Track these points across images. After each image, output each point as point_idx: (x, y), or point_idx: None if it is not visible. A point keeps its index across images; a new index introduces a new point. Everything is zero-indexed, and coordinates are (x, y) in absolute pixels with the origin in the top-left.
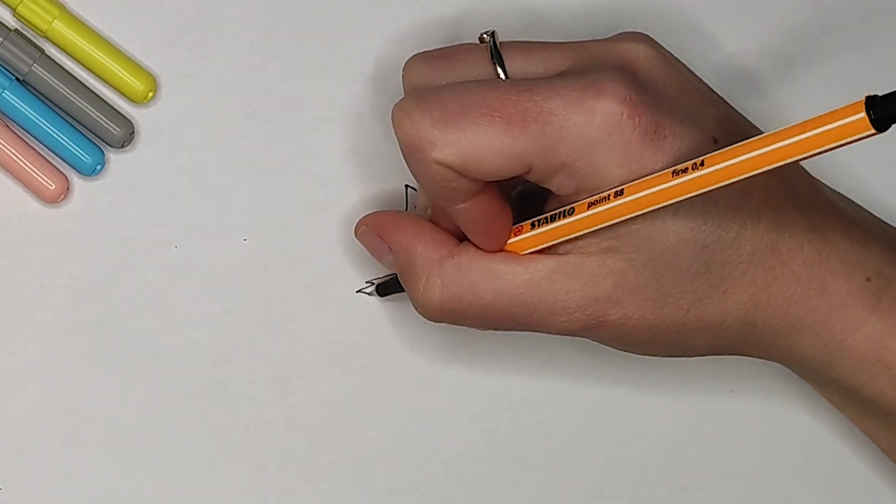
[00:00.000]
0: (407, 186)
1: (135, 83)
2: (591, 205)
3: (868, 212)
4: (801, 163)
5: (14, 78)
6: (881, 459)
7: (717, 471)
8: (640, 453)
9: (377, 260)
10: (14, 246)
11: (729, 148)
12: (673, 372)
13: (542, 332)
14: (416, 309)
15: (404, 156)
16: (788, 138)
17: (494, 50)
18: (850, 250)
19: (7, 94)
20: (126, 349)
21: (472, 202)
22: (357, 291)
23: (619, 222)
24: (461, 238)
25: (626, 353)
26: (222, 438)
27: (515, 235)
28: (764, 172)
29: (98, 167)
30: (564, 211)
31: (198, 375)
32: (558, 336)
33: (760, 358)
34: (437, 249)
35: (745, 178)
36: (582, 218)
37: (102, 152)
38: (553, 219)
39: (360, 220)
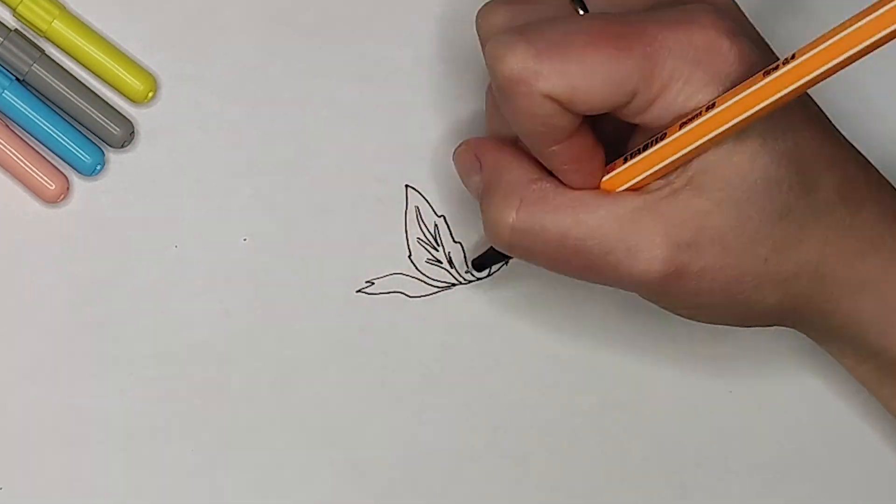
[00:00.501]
0: (407, 186)
1: (135, 83)
2: (682, 125)
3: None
4: None
5: (14, 78)
6: (881, 459)
7: (717, 470)
8: (640, 453)
9: (464, 181)
10: (14, 246)
11: (816, 39)
12: (673, 372)
13: (614, 280)
14: (487, 231)
15: (504, 93)
16: (870, 14)
17: None
18: None
19: (7, 94)
20: (126, 349)
21: (567, 143)
22: (357, 291)
23: (712, 140)
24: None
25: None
26: (222, 438)
27: (608, 173)
28: (855, 57)
29: (98, 167)
30: (657, 137)
31: (198, 375)
32: (566, 334)
33: (818, 326)
34: (528, 172)
35: (836, 68)
36: (675, 139)
37: (102, 152)
38: (645, 148)
39: (462, 141)
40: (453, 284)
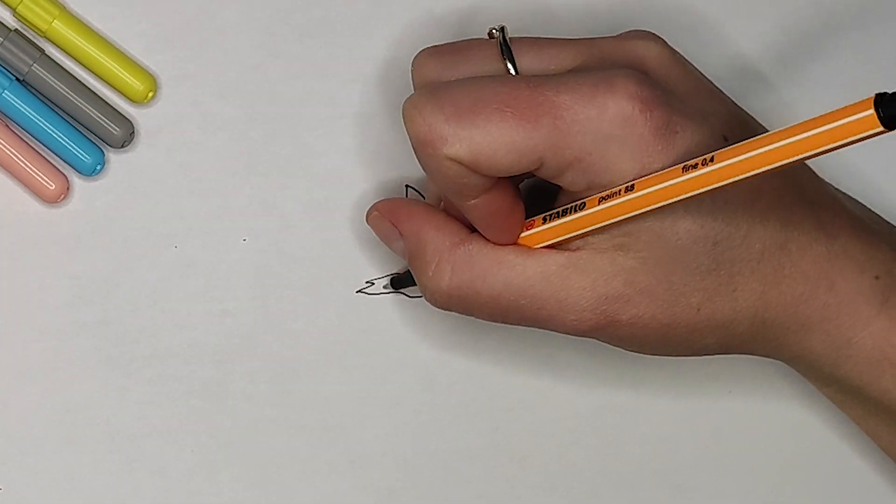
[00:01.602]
0: (407, 186)
1: (135, 83)
2: (601, 200)
3: (873, 212)
4: (807, 162)
5: (14, 78)
6: (882, 459)
7: (716, 471)
8: (640, 453)
9: (387, 245)
10: (14, 246)
11: (739, 144)
12: (672, 372)
13: (551, 329)
14: (425, 295)
15: (415, 151)
16: (798, 134)
17: (504, 45)
18: (858, 249)
19: (7, 94)
20: (126, 349)
21: (483, 198)
22: (357, 291)
23: (630, 217)
24: (473, 229)
25: (632, 353)
26: (222, 438)
27: (527, 230)
28: (774, 170)
29: (98, 167)
30: (576, 206)
31: (198, 375)
32: (564, 336)
33: (768, 357)
34: (448, 236)
35: (755, 175)
36: (593, 212)
37: (102, 152)
38: (564, 213)
39: (372, 206)
40: None
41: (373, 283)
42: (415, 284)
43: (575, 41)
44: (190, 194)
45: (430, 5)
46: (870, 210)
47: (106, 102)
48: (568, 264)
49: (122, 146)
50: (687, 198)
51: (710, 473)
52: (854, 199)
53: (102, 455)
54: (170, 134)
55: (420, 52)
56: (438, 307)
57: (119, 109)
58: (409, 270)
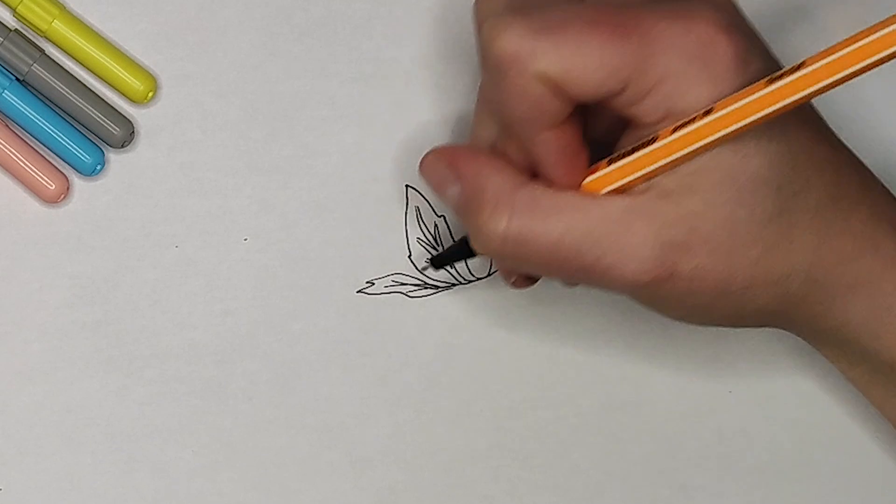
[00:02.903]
0: (408, 186)
1: (135, 83)
2: (676, 129)
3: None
4: None
5: (14, 78)
6: (880, 459)
7: (717, 471)
8: (642, 453)
9: (439, 194)
10: (14, 246)
11: (822, 52)
12: (673, 372)
13: (606, 284)
14: (478, 242)
15: (498, 72)
16: (880, 30)
17: None
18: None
19: (7, 94)
20: (126, 349)
21: (556, 132)
22: (357, 291)
23: (705, 146)
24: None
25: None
26: (222, 438)
27: (591, 175)
28: (866, 69)
29: (98, 167)
30: (646, 141)
31: (198, 375)
32: (564, 336)
33: (809, 327)
34: (510, 178)
35: (847, 78)
36: (666, 143)
37: (102, 152)
38: (634, 151)
39: (428, 151)
40: (453, 284)
41: (373, 284)
42: (459, 259)
43: None
44: (190, 194)
45: (430, 5)
46: None
47: (106, 102)
48: (632, 209)
49: (122, 146)
50: (772, 112)
51: (712, 473)
52: None
53: (102, 455)
54: (170, 134)
55: None
56: (490, 253)
57: (119, 109)
58: (451, 248)
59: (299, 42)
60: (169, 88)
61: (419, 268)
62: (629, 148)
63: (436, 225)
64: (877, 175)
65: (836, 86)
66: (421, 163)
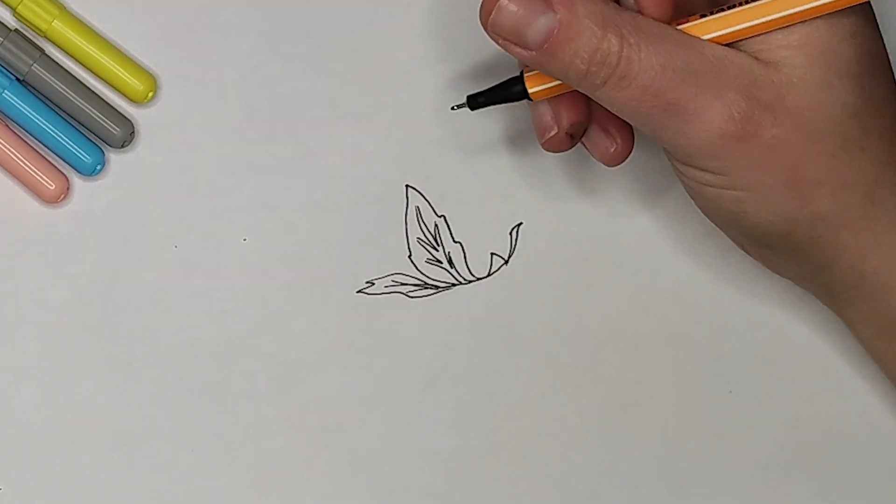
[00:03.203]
0: (407, 186)
1: (135, 83)
2: None
3: None
4: None
5: (14, 78)
6: (881, 459)
7: (717, 470)
8: (641, 453)
9: (520, 30)
10: (14, 246)
11: None
12: (673, 372)
13: (690, 128)
14: (574, 69)
15: None
16: None
17: None
18: None
19: (7, 94)
20: (126, 349)
21: None
22: (357, 292)
23: (799, 13)
24: None
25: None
26: (222, 438)
27: (691, 21)
28: None
29: (98, 167)
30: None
31: (198, 375)
32: (564, 335)
33: (842, 280)
34: (609, 5)
35: None
36: (760, 4)
37: (102, 152)
38: (730, 7)
39: None
40: (453, 284)
41: (373, 284)
42: (497, 102)
43: None
44: (190, 194)
45: (430, 5)
46: None
47: (106, 102)
48: (731, 59)
49: (122, 146)
50: None
51: (711, 473)
52: None
53: (102, 455)
54: (170, 134)
55: None
56: (585, 77)
57: (119, 109)
58: (492, 88)
59: (299, 42)
60: (169, 88)
61: (455, 107)
62: (733, 3)
63: (436, 225)
64: None
65: None
66: (490, 9)
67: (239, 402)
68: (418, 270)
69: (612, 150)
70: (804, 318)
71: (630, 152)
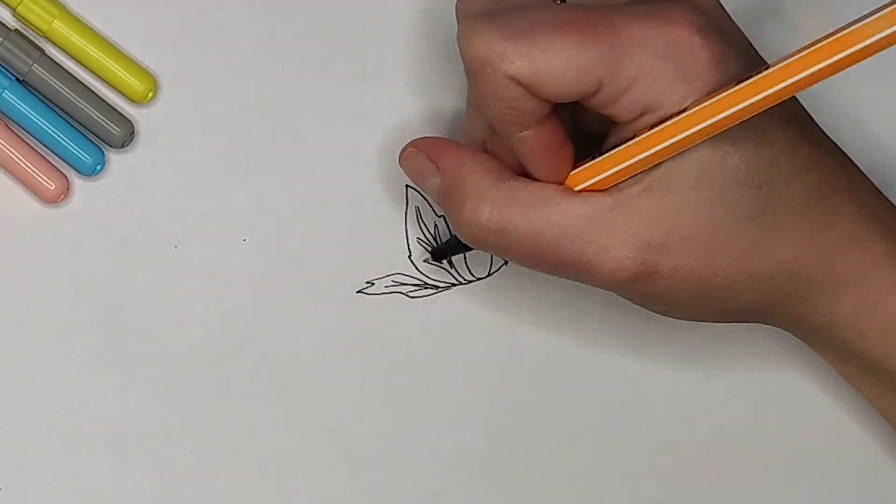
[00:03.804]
0: (407, 187)
1: (135, 83)
2: (653, 127)
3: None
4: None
5: (14, 78)
6: (880, 459)
7: (717, 471)
8: (641, 453)
9: (420, 184)
10: (14, 246)
11: (788, 55)
12: (673, 372)
13: (586, 279)
14: (459, 229)
15: (471, 75)
16: (854, 25)
17: None
18: (885, 213)
19: (7, 94)
20: (126, 349)
21: (535, 129)
22: (357, 291)
23: (681, 141)
24: (519, 173)
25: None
26: (221, 438)
27: (575, 169)
28: (829, 70)
29: (98, 167)
30: (627, 138)
31: (198, 375)
32: (565, 335)
33: (795, 325)
34: (492, 172)
35: (812, 77)
36: (644, 138)
37: (102, 152)
38: (614, 148)
39: (407, 144)
40: (453, 284)
41: (373, 284)
42: (458, 252)
43: None
44: (190, 194)
45: (430, 5)
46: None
47: (106, 102)
48: (614, 206)
49: (122, 146)
50: (741, 110)
51: (711, 473)
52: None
53: (102, 455)
54: (170, 134)
55: None
56: (472, 242)
57: (119, 109)
58: (448, 242)
59: (299, 42)
60: (169, 88)
61: (423, 261)
62: (611, 145)
63: (436, 225)
64: (867, 173)
65: (805, 86)
66: (400, 155)
67: (239, 402)
68: (418, 270)
69: None
70: None
71: None
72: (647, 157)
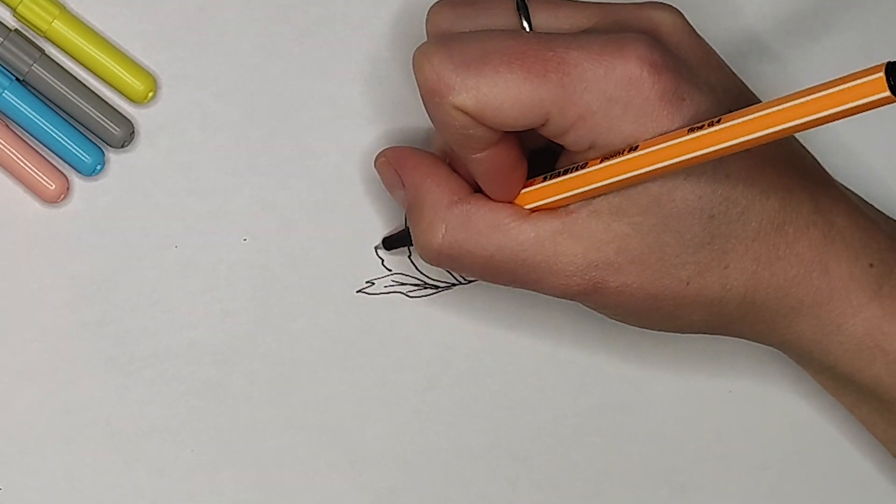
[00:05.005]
0: None
1: (135, 83)
2: (603, 159)
3: (870, 204)
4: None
5: (14, 78)
6: (882, 457)
7: (717, 470)
8: (641, 453)
9: (389, 193)
10: (14, 246)
11: (747, 108)
12: (673, 372)
13: (539, 291)
14: (417, 248)
15: (423, 100)
16: (806, 96)
17: (521, 1)
18: (855, 236)
19: (7, 94)
20: (126, 349)
21: (488, 152)
22: (357, 291)
23: (630, 178)
24: (476, 187)
25: (624, 325)
26: (222, 438)
27: (527, 188)
28: (781, 133)
29: (98, 167)
30: (577, 166)
31: (198, 375)
32: (565, 335)
33: (756, 340)
34: (448, 193)
35: (762, 139)
36: (593, 171)
37: (102, 152)
38: (565, 173)
39: (381, 151)
40: (453, 284)
41: (373, 283)
42: (406, 245)
43: (591, 3)
44: (190, 194)
45: (430, 5)
46: (866, 202)
47: (106, 102)
48: (562, 229)
49: (122, 146)
50: (690, 158)
51: (712, 472)
52: (851, 190)
53: (102, 455)
54: (170, 134)
55: (436, 2)
56: (429, 262)
57: (119, 109)
58: (401, 231)
59: (299, 42)
60: (169, 88)
61: (374, 248)
62: (561, 169)
63: None
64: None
65: (755, 144)
66: (375, 161)
67: (239, 402)
68: (418, 270)
69: None
70: None
71: None
72: (593, 188)
